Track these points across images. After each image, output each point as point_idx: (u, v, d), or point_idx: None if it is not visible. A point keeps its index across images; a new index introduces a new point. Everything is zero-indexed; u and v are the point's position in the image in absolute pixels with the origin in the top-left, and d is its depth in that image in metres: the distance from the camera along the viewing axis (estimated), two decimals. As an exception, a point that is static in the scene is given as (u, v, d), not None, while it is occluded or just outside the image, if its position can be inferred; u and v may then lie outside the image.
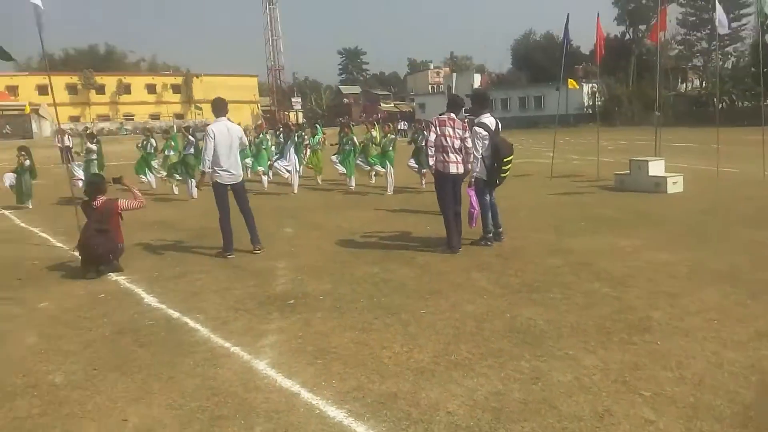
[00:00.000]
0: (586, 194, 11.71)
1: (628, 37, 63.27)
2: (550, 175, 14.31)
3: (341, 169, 13.75)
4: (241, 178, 7.50)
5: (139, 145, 14.96)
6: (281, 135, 15.57)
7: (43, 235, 9.21)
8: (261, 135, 15.27)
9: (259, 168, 14.50)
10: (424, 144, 13.22)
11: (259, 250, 7.41)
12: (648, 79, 47.37)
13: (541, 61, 68.22)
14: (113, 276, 6.53)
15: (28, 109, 49.85)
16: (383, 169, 12.92)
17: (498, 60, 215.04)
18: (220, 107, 7.45)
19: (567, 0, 35.11)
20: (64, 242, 8.40)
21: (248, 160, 15.00)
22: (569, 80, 21.72)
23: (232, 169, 7.29)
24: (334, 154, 14.13)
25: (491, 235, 7.46)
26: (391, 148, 12.87)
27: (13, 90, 63.74)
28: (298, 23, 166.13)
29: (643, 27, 60.10)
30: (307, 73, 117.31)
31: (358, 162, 13.58)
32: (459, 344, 4.27)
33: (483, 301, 5.24)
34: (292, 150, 13.72)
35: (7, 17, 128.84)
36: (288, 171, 13.74)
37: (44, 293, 5.95)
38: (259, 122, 17.05)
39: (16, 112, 55.20)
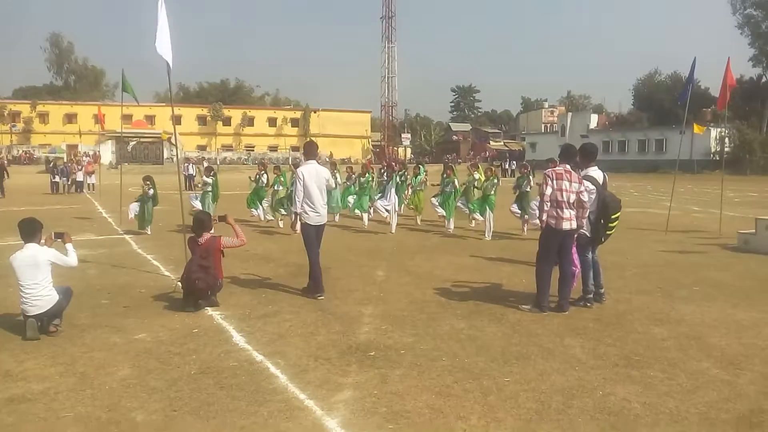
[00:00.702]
0: (703, 254, 10.77)
1: (765, 79, 58.89)
2: (666, 229, 13.34)
3: (440, 211, 13.65)
4: (326, 220, 7.71)
5: (252, 179, 15.70)
6: (384, 174, 15.72)
7: (155, 263, 9.82)
8: (367, 174, 15.52)
9: (356, 211, 14.73)
10: (528, 190, 12.94)
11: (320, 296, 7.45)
12: (786, 126, 43.64)
13: (665, 102, 65.12)
14: (209, 311, 6.78)
15: (165, 137, 54.42)
16: (481, 218, 12.62)
17: (617, 100, 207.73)
18: (310, 151, 7.76)
19: (698, 39, 33.39)
20: (172, 271, 8.88)
21: (351, 198, 15.29)
22: (695, 125, 20.47)
23: (320, 210, 7.48)
24: (434, 196, 14.07)
25: (591, 295, 7.01)
26: (492, 193, 12.58)
27: (150, 119, 69.85)
28: (413, 61, 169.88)
29: (782, 69, 55.76)
30: (418, 110, 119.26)
31: (458, 204, 13.43)
32: (541, 422, 3.97)
33: (574, 372, 4.87)
34: (393, 190, 13.81)
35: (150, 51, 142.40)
36: (387, 211, 13.82)
37: (144, 323, 6.27)
38: (368, 158, 17.36)
39: (151, 140, 60.31)
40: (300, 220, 7.51)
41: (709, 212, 17.51)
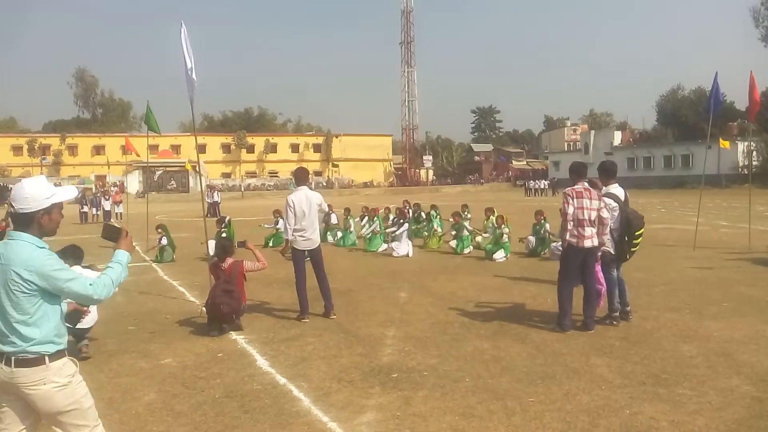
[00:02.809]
0: (733, 269, 10.54)
1: (791, 90, 57.87)
2: (694, 245, 13.11)
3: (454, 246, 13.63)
4: (317, 244, 7.74)
5: (268, 225, 15.88)
6: (396, 222, 15.24)
7: (181, 288, 9.95)
8: (376, 218, 15.47)
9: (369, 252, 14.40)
10: (546, 236, 12.78)
11: (333, 316, 7.57)
12: (816, 137, 42.72)
13: (690, 117, 64.31)
14: (233, 335, 6.84)
15: (189, 167, 55.63)
16: (500, 258, 12.36)
17: (641, 116, 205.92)
18: (301, 177, 7.85)
19: (721, 53, 33.00)
20: (197, 297, 8.99)
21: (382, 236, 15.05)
22: (720, 140, 20.22)
23: (308, 235, 7.53)
24: (451, 240, 13.96)
25: (617, 314, 6.92)
26: (506, 241, 12.59)
27: (176, 149, 71.27)
28: (433, 84, 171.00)
29: (810, 80, 54.73)
30: (439, 132, 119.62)
31: (477, 239, 13.64)
32: (566, 443, 3.91)
33: (600, 392, 4.79)
34: (405, 236, 13.65)
35: (174, 83, 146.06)
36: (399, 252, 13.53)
37: (169, 348, 6.35)
38: (373, 207, 17.08)
39: (177, 169, 61.42)
40: (290, 245, 7.61)
41: (738, 227, 17.15)
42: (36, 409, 2.83)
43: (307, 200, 7.53)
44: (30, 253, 2.79)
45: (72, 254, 6.21)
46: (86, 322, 5.92)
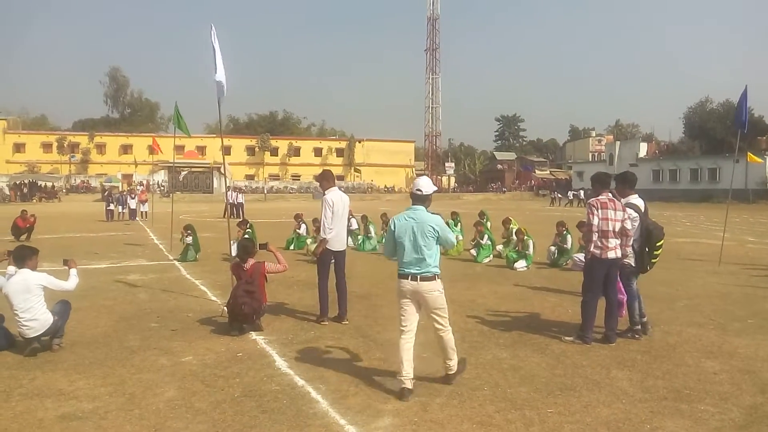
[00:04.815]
0: (758, 285, 10.32)
1: (823, 105, 56.72)
2: (719, 260, 12.88)
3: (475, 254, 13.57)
4: (345, 247, 7.75)
5: (295, 230, 16.03)
6: None
7: (203, 288, 10.05)
8: None
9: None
10: (568, 247, 12.66)
11: (345, 322, 7.55)
12: None
13: (718, 130, 63.36)
14: (253, 335, 6.90)
15: (212, 164, 56.53)
16: (522, 267, 12.30)
17: (667, 128, 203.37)
18: (329, 178, 7.75)
19: (751, 66, 32.38)
20: (218, 296, 9.08)
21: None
22: (749, 154, 19.96)
23: (342, 236, 7.54)
24: (471, 248, 13.93)
25: (639, 327, 6.83)
26: (530, 252, 12.57)
27: (201, 150, 72.15)
28: (457, 91, 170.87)
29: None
30: (462, 139, 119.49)
31: (498, 247, 13.65)
32: (584, 455, 3.87)
33: (621, 405, 4.74)
34: None
35: (201, 85, 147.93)
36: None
37: (190, 346, 6.42)
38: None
39: (202, 169, 62.19)
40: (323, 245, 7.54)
41: (765, 243, 16.84)
42: (426, 306, 5.10)
43: (341, 200, 7.52)
44: (433, 216, 5.08)
45: (18, 257, 6.29)
46: (37, 329, 6.04)
